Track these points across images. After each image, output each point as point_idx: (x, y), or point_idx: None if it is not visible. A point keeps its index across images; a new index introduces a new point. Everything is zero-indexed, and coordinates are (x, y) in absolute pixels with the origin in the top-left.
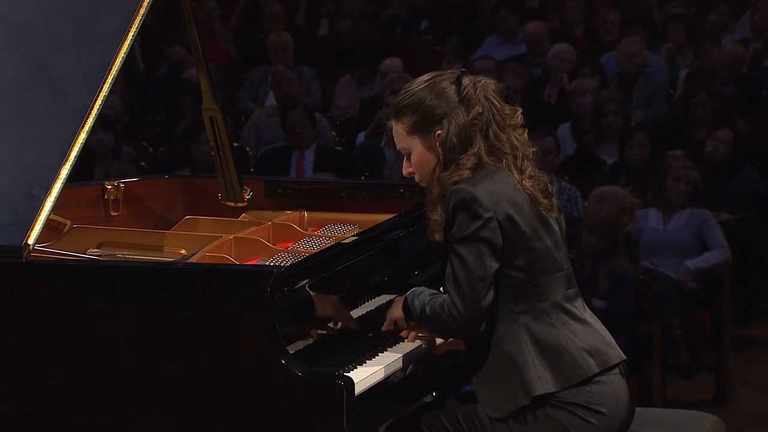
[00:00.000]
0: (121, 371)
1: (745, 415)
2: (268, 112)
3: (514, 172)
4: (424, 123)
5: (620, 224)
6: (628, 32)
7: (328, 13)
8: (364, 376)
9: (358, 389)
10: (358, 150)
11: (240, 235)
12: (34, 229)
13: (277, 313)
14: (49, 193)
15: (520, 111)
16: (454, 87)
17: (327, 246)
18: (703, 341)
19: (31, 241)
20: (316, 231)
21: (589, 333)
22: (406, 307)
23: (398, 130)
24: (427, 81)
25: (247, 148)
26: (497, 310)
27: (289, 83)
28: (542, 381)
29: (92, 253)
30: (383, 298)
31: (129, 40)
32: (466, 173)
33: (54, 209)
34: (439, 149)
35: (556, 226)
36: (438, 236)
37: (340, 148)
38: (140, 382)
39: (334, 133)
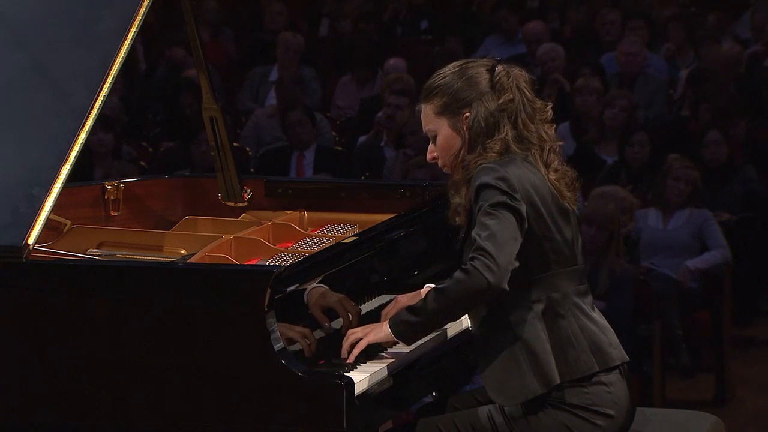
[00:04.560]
0: (121, 371)
1: (745, 415)
2: (268, 112)
3: (540, 164)
4: (454, 105)
5: (619, 220)
6: (628, 32)
7: (328, 13)
8: (364, 376)
9: (358, 389)
10: (358, 150)
11: (240, 235)
12: (34, 229)
13: (278, 312)
14: (49, 193)
15: (551, 105)
16: (486, 73)
17: (327, 246)
18: (703, 341)
19: (31, 241)
20: (316, 231)
21: (595, 331)
22: (399, 324)
23: (427, 111)
24: (460, 65)
25: (247, 148)
26: (512, 298)
27: (295, 84)
28: (556, 371)
29: (92, 253)
30: (383, 298)
31: (129, 40)
32: (492, 156)
33: (54, 209)
34: (466, 132)
35: (575, 221)
36: (459, 220)
37: (340, 148)
38: (140, 382)
39: (334, 133)
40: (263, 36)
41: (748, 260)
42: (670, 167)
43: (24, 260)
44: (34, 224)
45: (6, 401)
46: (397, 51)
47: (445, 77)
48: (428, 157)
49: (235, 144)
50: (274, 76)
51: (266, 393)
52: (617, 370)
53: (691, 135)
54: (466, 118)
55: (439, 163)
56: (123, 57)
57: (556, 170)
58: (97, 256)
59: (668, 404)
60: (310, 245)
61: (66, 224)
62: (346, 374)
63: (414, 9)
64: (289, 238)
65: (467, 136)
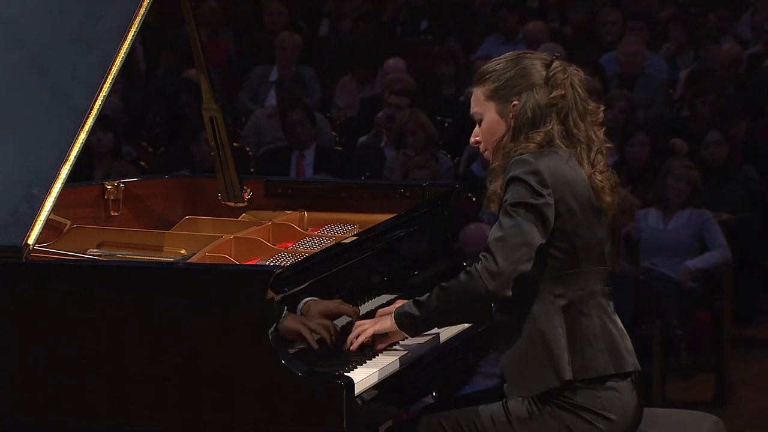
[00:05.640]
0: (121, 371)
1: (745, 415)
2: (268, 112)
3: (585, 164)
4: (503, 92)
5: (619, 220)
6: (628, 32)
7: (328, 13)
8: (364, 376)
9: (358, 389)
10: (358, 150)
11: (240, 235)
12: (34, 229)
13: (278, 312)
14: (49, 193)
15: (602, 108)
16: (542, 67)
17: (327, 246)
18: (703, 341)
19: (31, 241)
20: (316, 231)
21: (615, 334)
22: (402, 315)
23: (477, 94)
24: (517, 54)
25: (247, 148)
26: (536, 290)
27: (295, 84)
28: (570, 367)
29: (92, 253)
30: (383, 298)
31: (129, 40)
32: (531, 146)
33: (54, 209)
34: (512, 120)
35: (606, 223)
36: (494, 206)
37: (340, 148)
38: (140, 382)
39: (334, 133)
40: (263, 36)
41: (748, 260)
42: (670, 167)
43: (24, 260)
44: (34, 224)
45: (5, 401)
46: (397, 51)
47: (499, 63)
48: (471, 140)
49: (235, 144)
50: (274, 76)
51: (266, 393)
52: (629, 378)
53: (691, 135)
54: (514, 106)
55: (481, 147)
56: (123, 57)
57: (601, 172)
58: (97, 256)
59: (668, 404)
60: (310, 245)
61: (66, 224)
62: (346, 374)
63: (414, 9)
64: (289, 238)
65: (512, 124)
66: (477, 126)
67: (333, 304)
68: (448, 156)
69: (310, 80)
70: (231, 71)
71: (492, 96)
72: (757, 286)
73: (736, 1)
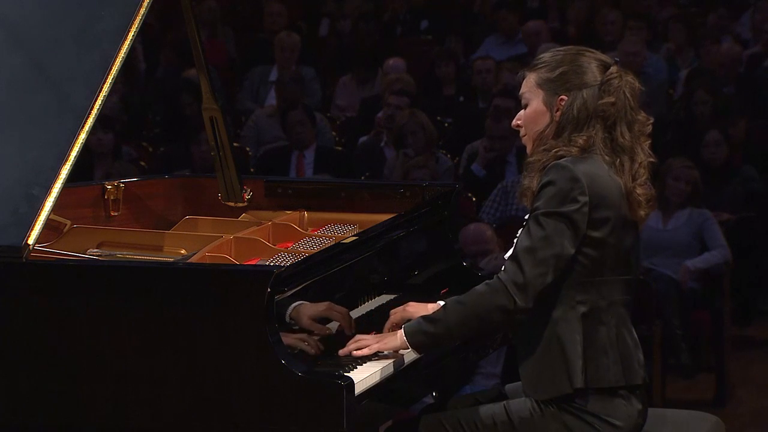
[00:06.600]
0: (120, 371)
1: (745, 415)
2: (268, 112)
3: (626, 175)
4: (554, 84)
5: None
6: (628, 32)
7: (328, 13)
8: (364, 376)
9: (358, 389)
10: (358, 150)
11: (240, 235)
12: (34, 229)
13: (278, 313)
14: (49, 193)
15: (651, 121)
16: (598, 69)
17: (327, 246)
18: (703, 341)
19: (31, 241)
20: (316, 231)
21: (630, 345)
22: (416, 334)
23: (529, 78)
24: (577, 50)
25: (247, 148)
26: (558, 294)
27: (294, 83)
28: (582, 375)
29: (92, 253)
30: (383, 298)
31: (129, 40)
32: (573, 150)
33: (54, 209)
34: (557, 115)
35: (636, 233)
36: (526, 201)
37: (340, 148)
38: (140, 382)
39: (334, 133)
40: (263, 36)
41: (748, 260)
42: (670, 167)
43: (24, 260)
44: (34, 224)
45: (5, 402)
46: (397, 51)
47: (557, 55)
48: (513, 122)
49: (235, 144)
50: (274, 76)
51: (266, 393)
52: (638, 391)
53: (691, 135)
54: (562, 101)
55: (521, 131)
56: (123, 57)
57: (641, 185)
58: (97, 256)
59: (668, 404)
60: (310, 245)
61: (66, 224)
62: (346, 374)
63: (414, 9)
64: (289, 238)
65: (556, 119)
66: (522, 109)
67: (323, 307)
68: (448, 156)
69: (310, 80)
70: (231, 71)
71: (542, 85)
72: (757, 286)
73: (736, 1)
